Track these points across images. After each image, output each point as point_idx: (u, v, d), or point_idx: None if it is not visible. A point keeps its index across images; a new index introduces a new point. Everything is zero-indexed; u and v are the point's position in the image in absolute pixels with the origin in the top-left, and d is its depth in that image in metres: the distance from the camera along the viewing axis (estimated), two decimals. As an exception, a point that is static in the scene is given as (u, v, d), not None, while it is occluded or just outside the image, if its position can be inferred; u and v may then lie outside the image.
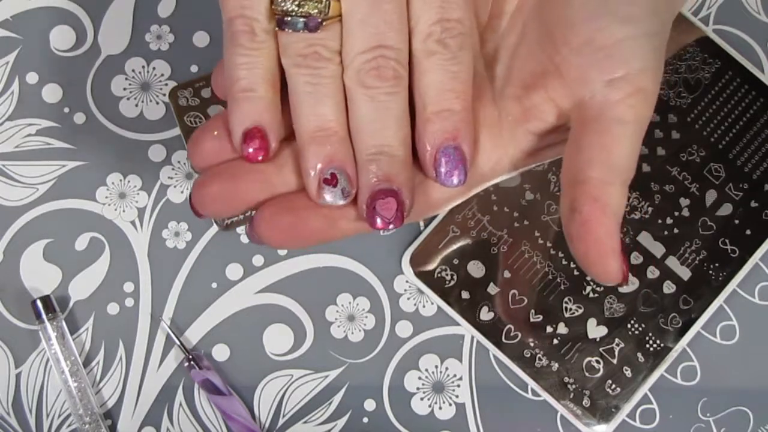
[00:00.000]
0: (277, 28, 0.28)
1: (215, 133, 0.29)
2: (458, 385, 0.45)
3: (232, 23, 0.28)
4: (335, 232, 0.29)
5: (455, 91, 0.28)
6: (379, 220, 0.28)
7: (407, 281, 0.46)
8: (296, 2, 0.27)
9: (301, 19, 0.27)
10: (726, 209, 0.46)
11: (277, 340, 0.46)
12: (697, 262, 0.45)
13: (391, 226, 0.28)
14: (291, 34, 0.28)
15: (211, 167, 0.29)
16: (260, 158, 0.29)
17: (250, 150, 0.28)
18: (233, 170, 0.29)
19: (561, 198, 0.28)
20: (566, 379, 0.45)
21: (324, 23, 0.27)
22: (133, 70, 0.47)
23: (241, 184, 0.29)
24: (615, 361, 0.45)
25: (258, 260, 0.46)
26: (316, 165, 0.28)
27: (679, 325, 0.45)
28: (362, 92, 0.28)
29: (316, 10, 0.27)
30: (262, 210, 0.29)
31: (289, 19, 0.27)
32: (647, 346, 0.45)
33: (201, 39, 0.47)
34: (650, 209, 0.46)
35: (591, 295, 0.45)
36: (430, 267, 0.46)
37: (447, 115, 0.28)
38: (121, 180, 0.47)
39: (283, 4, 0.27)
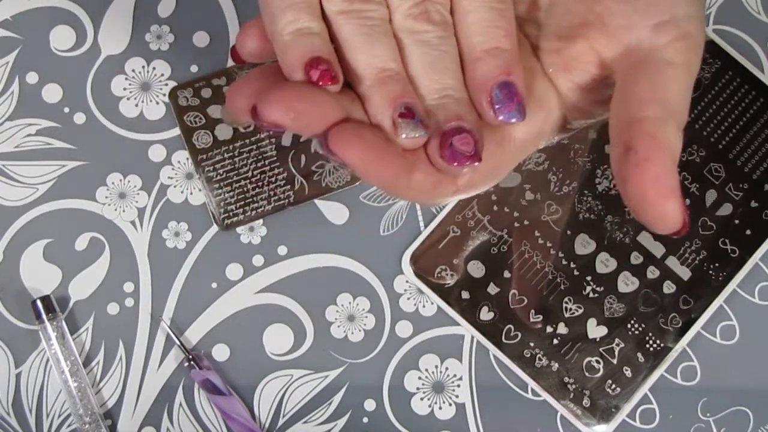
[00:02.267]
0: None
1: (261, 77, 0.27)
2: (458, 385, 0.45)
3: None
4: (408, 176, 0.27)
5: (503, 29, 0.27)
6: (458, 158, 0.26)
7: (407, 281, 0.46)
8: None
9: None
10: (726, 209, 0.46)
11: (277, 340, 0.46)
12: (697, 262, 0.45)
13: (468, 162, 0.26)
14: None
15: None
16: (330, 81, 0.26)
17: (320, 73, 0.26)
18: (311, 86, 0.26)
19: (612, 146, 0.27)
20: (566, 379, 0.45)
21: None
22: (133, 70, 0.47)
23: (322, 97, 0.26)
24: (615, 361, 0.45)
25: (258, 260, 0.46)
26: (387, 103, 0.27)
27: (679, 325, 0.45)
28: (414, 37, 0.27)
29: None
30: (346, 124, 0.26)
31: None
32: (647, 346, 0.45)
33: (201, 39, 0.47)
34: (650, 209, 0.46)
35: (591, 295, 0.45)
36: (430, 267, 0.46)
37: (498, 53, 0.27)
38: (121, 180, 0.47)
39: None
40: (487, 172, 0.28)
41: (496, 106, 0.27)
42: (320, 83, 0.26)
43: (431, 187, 0.28)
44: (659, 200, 0.25)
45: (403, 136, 0.26)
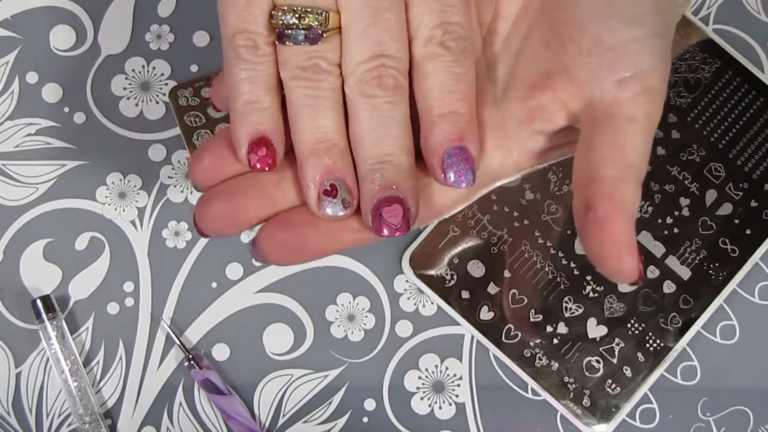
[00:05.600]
0: (276, 42, 0.28)
1: (216, 149, 0.29)
2: (458, 385, 0.45)
3: (234, 38, 0.28)
4: (337, 244, 0.29)
5: (460, 93, 0.28)
6: (385, 228, 0.28)
7: (407, 281, 0.46)
8: (297, 15, 0.27)
9: (302, 32, 0.27)
10: (726, 209, 0.46)
11: (277, 339, 0.46)
12: (697, 261, 0.45)
13: (397, 234, 0.28)
14: (291, 47, 0.28)
15: (213, 186, 0.30)
16: (267, 167, 0.29)
17: (258, 159, 0.28)
18: (233, 188, 0.29)
19: (574, 198, 0.28)
20: (566, 379, 0.45)
21: (324, 35, 0.27)
22: (133, 70, 0.47)
23: (242, 200, 0.29)
24: (615, 361, 0.45)
25: (258, 260, 0.46)
26: (315, 177, 0.28)
27: (679, 324, 0.45)
28: (364, 102, 0.28)
29: (316, 22, 0.27)
30: (263, 228, 0.29)
31: (290, 32, 0.27)
32: (647, 345, 0.45)
33: (201, 39, 0.47)
34: (650, 209, 0.46)
35: (591, 294, 0.45)
36: (430, 267, 0.46)
37: (453, 118, 0.28)
38: (121, 180, 0.47)
39: (283, 18, 0.27)
40: (441, 210, 0.31)
41: (447, 171, 0.28)
42: (257, 167, 0.28)
43: (369, 238, 0.29)
44: (616, 257, 0.27)
45: (328, 211, 0.28)
